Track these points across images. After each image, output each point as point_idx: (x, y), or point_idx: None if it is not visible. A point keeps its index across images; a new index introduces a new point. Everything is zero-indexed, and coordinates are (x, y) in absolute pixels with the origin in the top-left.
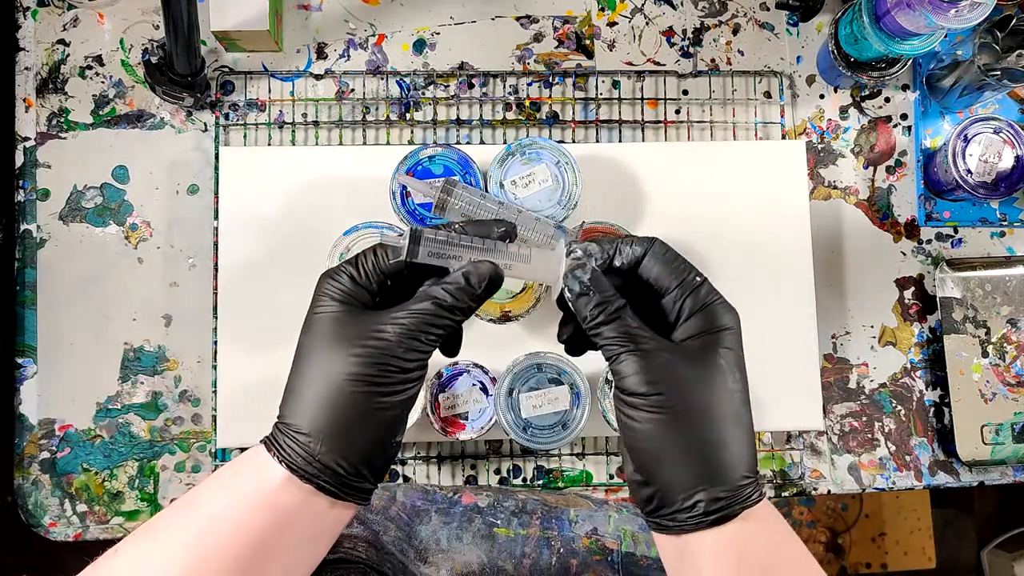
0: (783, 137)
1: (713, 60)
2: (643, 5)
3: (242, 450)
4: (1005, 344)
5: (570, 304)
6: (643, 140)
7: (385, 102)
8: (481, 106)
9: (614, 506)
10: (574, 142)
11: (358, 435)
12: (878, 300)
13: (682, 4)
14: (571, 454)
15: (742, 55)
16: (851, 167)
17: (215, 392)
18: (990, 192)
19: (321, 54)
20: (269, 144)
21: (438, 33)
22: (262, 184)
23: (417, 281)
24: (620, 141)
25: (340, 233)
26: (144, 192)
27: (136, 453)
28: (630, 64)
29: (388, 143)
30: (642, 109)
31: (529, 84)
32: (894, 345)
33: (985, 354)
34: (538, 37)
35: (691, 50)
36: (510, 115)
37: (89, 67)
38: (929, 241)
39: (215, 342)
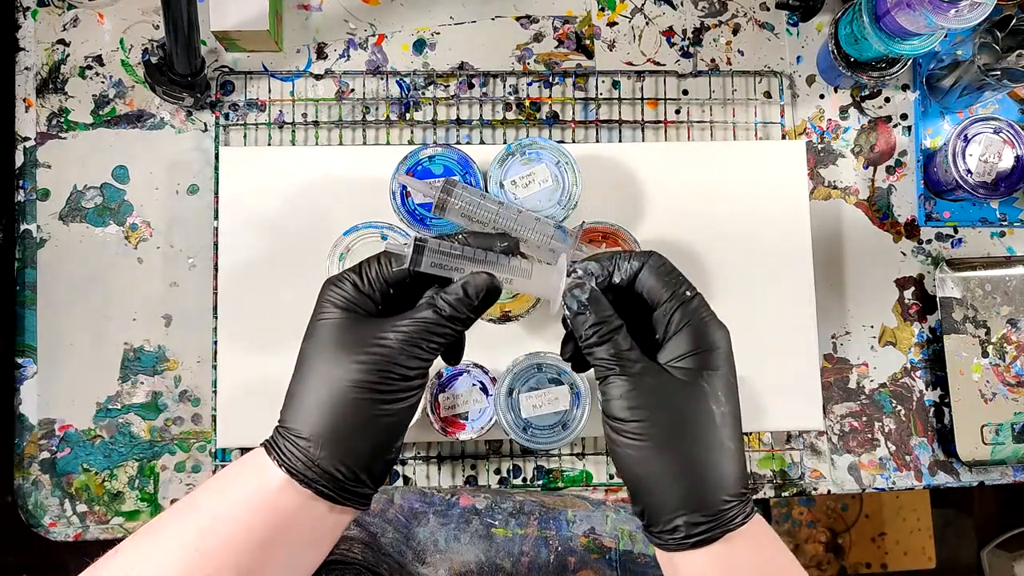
0: (783, 137)
1: (713, 60)
2: (643, 5)
3: (242, 450)
4: (1005, 344)
5: (569, 322)
6: (643, 140)
7: (385, 102)
8: (481, 106)
9: (612, 506)
10: (574, 142)
11: (358, 441)
12: (878, 300)
13: (682, 4)
14: (571, 454)
15: (742, 55)
16: (851, 167)
17: (215, 392)
18: (990, 192)
19: (321, 54)
20: (269, 144)
21: (438, 33)
22: (262, 184)
23: (420, 290)
24: (620, 141)
25: (340, 233)
26: (144, 192)
27: (136, 453)
28: (630, 64)
29: (388, 143)
30: (642, 109)
31: (529, 84)
32: (894, 345)
33: (985, 354)
34: (538, 37)
35: (691, 50)
36: (510, 115)
37: (89, 67)
38: (929, 241)
39: (215, 342)
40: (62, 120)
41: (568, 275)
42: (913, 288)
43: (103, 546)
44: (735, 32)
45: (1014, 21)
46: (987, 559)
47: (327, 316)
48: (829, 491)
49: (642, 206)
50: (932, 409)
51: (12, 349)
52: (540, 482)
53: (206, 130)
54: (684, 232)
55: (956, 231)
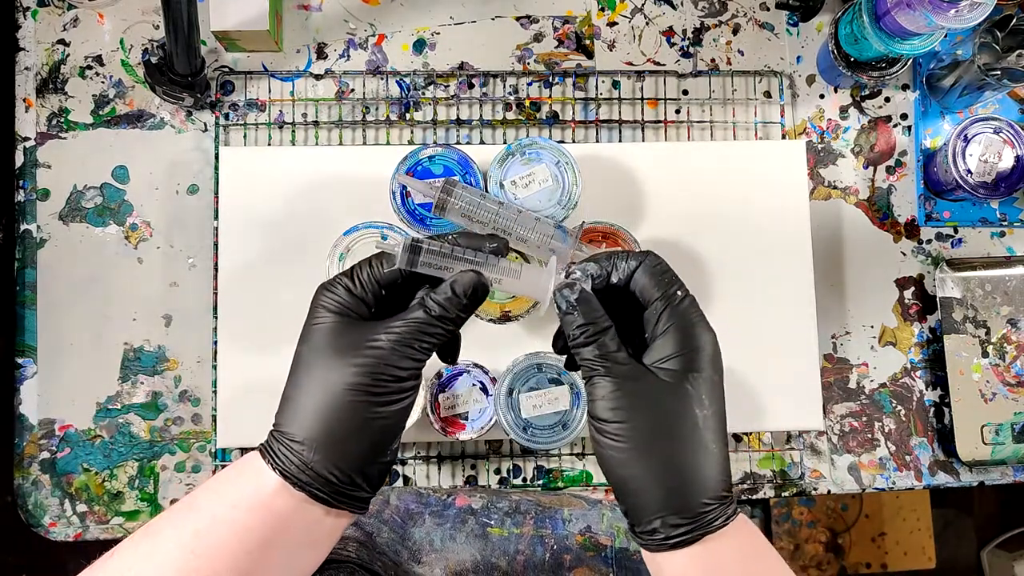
0: (783, 137)
1: (713, 60)
2: (643, 5)
3: (243, 450)
4: (1005, 344)
5: (560, 321)
6: (643, 140)
7: (385, 102)
8: (481, 106)
9: (608, 505)
10: (574, 142)
11: (352, 444)
12: (878, 300)
13: (682, 4)
14: (571, 454)
15: (742, 55)
16: (851, 167)
17: (215, 392)
18: (990, 192)
19: (321, 54)
20: (269, 144)
21: (438, 33)
22: (262, 184)
23: (413, 292)
24: (620, 141)
25: (340, 233)
26: (144, 192)
27: (136, 453)
28: (630, 64)
29: (388, 143)
30: (642, 109)
31: (529, 84)
32: (894, 345)
33: (985, 354)
34: (538, 37)
35: (691, 50)
36: (510, 115)
37: (89, 67)
38: (929, 241)
39: (215, 342)
40: (62, 120)
41: (567, 275)
42: (913, 288)
43: (103, 546)
44: (735, 32)
45: (1014, 21)
46: (987, 559)
47: (320, 320)
48: (829, 491)
49: (642, 206)
50: (932, 409)
51: (12, 349)
52: (540, 482)
53: (206, 130)
54: (684, 232)
55: (956, 231)
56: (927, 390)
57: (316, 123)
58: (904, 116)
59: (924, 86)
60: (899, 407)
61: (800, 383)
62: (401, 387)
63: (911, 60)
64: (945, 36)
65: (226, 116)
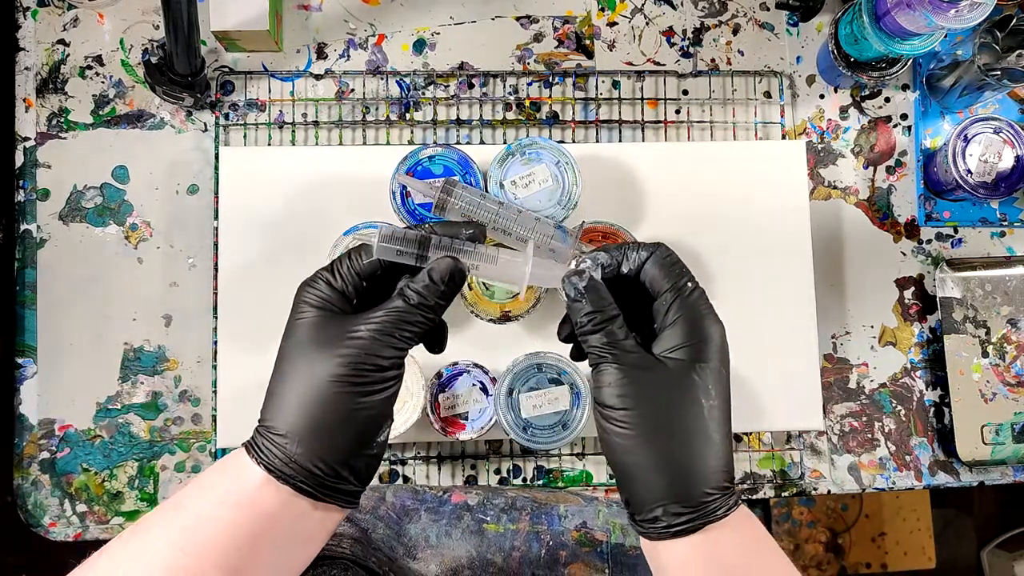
0: (783, 137)
1: (713, 60)
2: (643, 5)
3: None
4: (1005, 344)
5: (567, 308)
6: (643, 140)
7: (385, 102)
8: (481, 106)
9: (604, 501)
10: (574, 142)
11: (337, 436)
12: (878, 300)
13: (682, 4)
14: (571, 454)
15: (742, 55)
16: (851, 167)
17: (215, 392)
18: (990, 192)
19: (321, 54)
20: (269, 144)
21: (438, 33)
22: (262, 184)
23: (395, 283)
24: (620, 141)
25: (340, 233)
26: (144, 192)
27: (136, 453)
28: (630, 64)
29: (388, 143)
30: (642, 109)
31: (529, 84)
32: (894, 345)
33: (985, 354)
34: (538, 37)
35: (691, 50)
36: (510, 115)
37: (89, 67)
38: (929, 241)
39: (215, 342)
40: (62, 120)
41: (577, 264)
42: (913, 288)
43: (102, 546)
44: (735, 32)
45: (1014, 21)
46: (987, 559)
47: (302, 315)
48: (829, 491)
49: (642, 206)
50: (932, 409)
51: (12, 349)
52: (540, 482)
53: (206, 130)
54: (684, 232)
55: (956, 231)
56: (927, 390)
57: (316, 123)
58: (904, 116)
59: (924, 86)
60: (899, 407)
61: (800, 383)
62: (384, 376)
63: (911, 60)
64: (945, 36)
65: (226, 116)
